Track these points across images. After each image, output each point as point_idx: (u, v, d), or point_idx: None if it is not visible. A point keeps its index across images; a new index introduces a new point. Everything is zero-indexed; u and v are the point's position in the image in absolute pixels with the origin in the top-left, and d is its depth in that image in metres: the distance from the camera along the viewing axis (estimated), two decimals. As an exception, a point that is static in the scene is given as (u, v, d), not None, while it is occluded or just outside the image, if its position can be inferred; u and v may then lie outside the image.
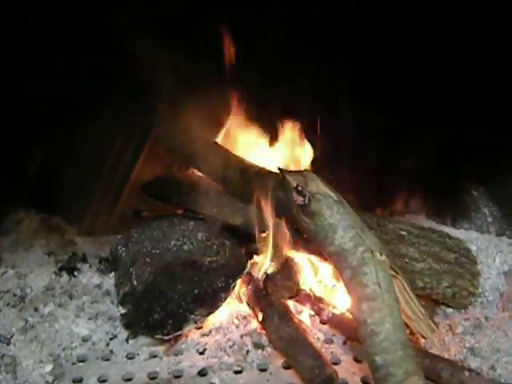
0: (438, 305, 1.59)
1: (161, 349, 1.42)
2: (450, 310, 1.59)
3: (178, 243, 1.53)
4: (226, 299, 1.49)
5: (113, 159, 1.96)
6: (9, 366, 1.29)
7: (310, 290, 1.62)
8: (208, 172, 1.75)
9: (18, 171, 1.93)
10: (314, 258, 1.61)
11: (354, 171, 1.95)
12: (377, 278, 1.23)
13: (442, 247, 1.61)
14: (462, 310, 1.59)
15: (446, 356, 1.40)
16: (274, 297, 1.53)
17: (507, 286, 1.65)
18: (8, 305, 1.51)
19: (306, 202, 1.33)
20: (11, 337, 1.39)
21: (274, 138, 1.91)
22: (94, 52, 1.73)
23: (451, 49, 1.77)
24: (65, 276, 1.67)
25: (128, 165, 1.97)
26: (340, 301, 1.56)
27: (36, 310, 1.51)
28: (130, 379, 1.32)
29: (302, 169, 1.61)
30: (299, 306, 1.60)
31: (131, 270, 1.49)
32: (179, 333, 1.43)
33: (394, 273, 1.32)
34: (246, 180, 1.61)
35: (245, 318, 1.54)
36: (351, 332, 1.43)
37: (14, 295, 1.55)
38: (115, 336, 1.46)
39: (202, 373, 1.33)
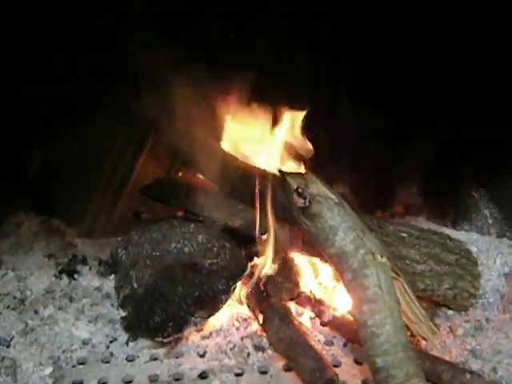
0: (438, 307, 1.59)
1: (161, 351, 1.41)
2: (450, 312, 1.59)
3: (179, 245, 1.52)
4: (226, 301, 1.49)
5: (113, 159, 1.95)
6: (9, 368, 1.29)
7: (311, 292, 1.62)
8: (208, 174, 1.74)
9: (18, 171, 1.93)
10: (315, 260, 1.61)
11: (353, 171, 1.95)
12: (378, 280, 1.23)
13: (442, 249, 1.61)
14: (463, 312, 1.59)
15: (447, 358, 1.39)
16: (274, 299, 1.52)
17: (508, 287, 1.65)
18: (8, 307, 1.51)
19: (307, 204, 1.33)
20: (11, 339, 1.39)
21: (274, 137, 1.90)
22: (94, 52, 1.72)
23: (451, 49, 1.76)
24: (65, 279, 1.66)
25: (128, 165, 1.96)
26: (340, 303, 1.56)
27: (36, 312, 1.51)
28: (130, 382, 1.32)
29: (303, 171, 1.61)
30: (300, 308, 1.59)
31: (131, 272, 1.49)
32: (179, 335, 1.43)
33: (394, 275, 1.32)
34: (246, 182, 1.61)
35: (245, 320, 1.53)
36: (352, 334, 1.43)
37: (14, 298, 1.55)
38: (115, 339, 1.46)
39: (203, 375, 1.33)
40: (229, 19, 1.79)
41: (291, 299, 1.60)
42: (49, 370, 1.32)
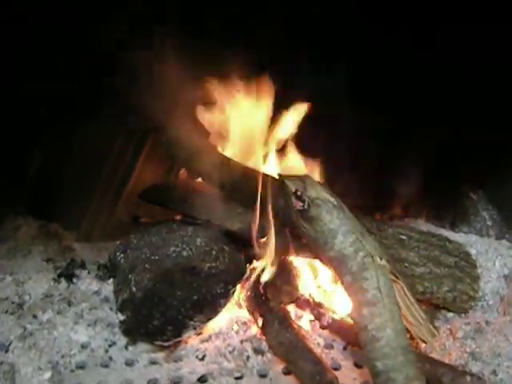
0: (438, 309, 1.59)
1: (160, 355, 1.41)
2: (450, 315, 1.59)
3: (177, 249, 1.51)
4: (225, 305, 1.48)
5: (113, 160, 1.95)
6: (7, 373, 1.29)
7: (310, 295, 1.61)
8: (207, 177, 1.73)
9: (17, 171, 1.93)
10: (314, 263, 1.61)
11: (353, 171, 1.94)
12: (377, 283, 1.23)
13: (441, 251, 1.61)
14: (463, 315, 1.59)
15: (447, 361, 1.39)
16: (273, 302, 1.52)
17: (507, 289, 1.65)
18: (6, 312, 1.50)
19: (306, 207, 1.33)
20: (9, 344, 1.39)
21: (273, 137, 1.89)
22: (94, 52, 1.71)
23: (451, 49, 1.76)
24: (63, 283, 1.65)
25: (128, 165, 1.96)
26: (340, 306, 1.56)
27: (34, 317, 1.50)
28: (129, 386, 1.32)
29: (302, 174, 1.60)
30: (299, 312, 1.59)
31: (130, 276, 1.48)
32: (179, 339, 1.43)
33: (394, 278, 1.32)
34: (245, 185, 1.60)
35: (244, 323, 1.53)
36: (351, 337, 1.43)
37: (12, 302, 1.54)
38: (114, 343, 1.45)
39: (202, 379, 1.33)
40: (229, 19, 1.79)
41: (291, 302, 1.60)
42: (48, 375, 1.31)
